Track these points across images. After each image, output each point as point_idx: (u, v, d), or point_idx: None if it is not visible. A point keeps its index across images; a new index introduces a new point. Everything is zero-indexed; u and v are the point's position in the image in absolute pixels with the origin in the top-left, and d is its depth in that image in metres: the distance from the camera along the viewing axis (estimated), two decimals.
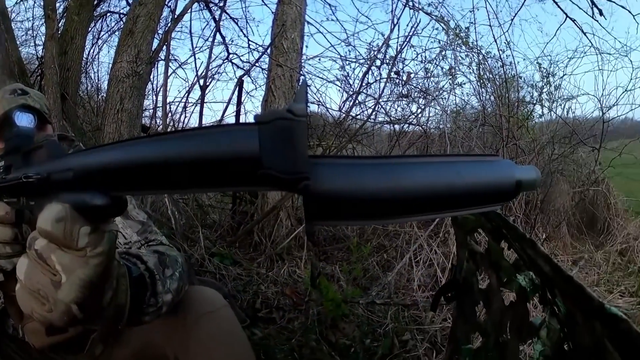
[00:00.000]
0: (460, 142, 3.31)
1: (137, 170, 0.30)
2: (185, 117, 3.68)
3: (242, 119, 3.06)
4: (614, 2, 4.11)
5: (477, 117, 3.92)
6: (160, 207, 2.62)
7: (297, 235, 2.62)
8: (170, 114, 3.50)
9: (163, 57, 3.15)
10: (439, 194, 0.29)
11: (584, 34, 4.22)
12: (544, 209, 3.57)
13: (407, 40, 3.16)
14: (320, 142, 2.99)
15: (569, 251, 3.48)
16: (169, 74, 3.11)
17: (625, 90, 3.73)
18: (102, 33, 4.67)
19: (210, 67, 3.17)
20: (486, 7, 3.79)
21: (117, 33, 4.25)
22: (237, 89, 3.01)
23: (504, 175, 0.32)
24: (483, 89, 3.95)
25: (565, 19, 4.31)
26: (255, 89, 3.60)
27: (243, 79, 3.08)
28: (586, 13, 4.24)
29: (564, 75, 4.00)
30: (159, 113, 3.60)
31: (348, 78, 3.24)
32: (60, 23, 3.46)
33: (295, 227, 2.67)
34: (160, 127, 3.27)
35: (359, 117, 3.12)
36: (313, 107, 3.22)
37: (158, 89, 3.83)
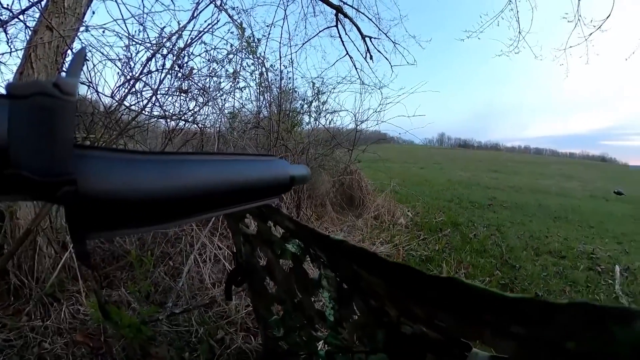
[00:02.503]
0: (234, 141, 3.55)
1: None
2: None
3: None
4: (381, 53, 6.57)
5: (252, 120, 4.39)
6: None
7: (66, 263, 2.08)
8: None
9: None
10: (224, 190, 0.30)
11: (356, 68, 6.27)
12: (310, 194, 4.51)
13: (200, 35, 2.96)
14: (88, 134, 2.42)
15: (337, 223, 4.57)
16: None
17: (375, 111, 5.50)
18: None
19: None
20: (282, 27, 4.36)
21: None
22: None
23: (280, 172, 0.38)
24: (261, 96, 4.47)
25: (345, 55, 6.42)
26: (10, 53, 2.40)
27: None
28: (362, 55, 6.46)
29: (330, 94, 5.29)
30: None
31: (130, 60, 2.70)
32: None
33: (61, 254, 2.12)
34: None
35: (133, 107, 2.68)
36: (82, 89, 2.55)
37: None
